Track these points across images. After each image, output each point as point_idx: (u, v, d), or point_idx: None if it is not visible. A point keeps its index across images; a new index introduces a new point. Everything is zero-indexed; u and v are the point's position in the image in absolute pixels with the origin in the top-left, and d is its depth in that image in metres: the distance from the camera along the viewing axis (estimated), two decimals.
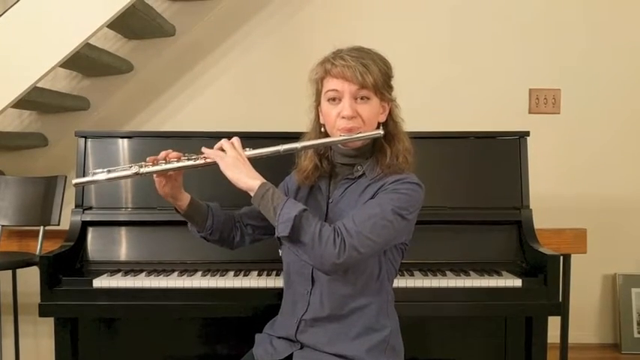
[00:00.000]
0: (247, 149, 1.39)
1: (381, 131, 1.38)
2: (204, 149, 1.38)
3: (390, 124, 1.42)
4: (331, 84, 1.36)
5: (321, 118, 1.43)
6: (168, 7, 2.93)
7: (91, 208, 1.99)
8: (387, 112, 1.42)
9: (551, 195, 2.78)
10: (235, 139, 1.39)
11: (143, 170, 1.39)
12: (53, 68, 2.35)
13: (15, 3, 2.31)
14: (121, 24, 2.59)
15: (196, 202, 1.51)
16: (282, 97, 2.84)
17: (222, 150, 1.36)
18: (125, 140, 2.07)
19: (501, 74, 2.93)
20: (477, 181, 2.04)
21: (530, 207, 2.00)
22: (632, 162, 2.95)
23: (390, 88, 1.41)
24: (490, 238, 1.97)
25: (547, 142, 2.77)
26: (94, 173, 1.41)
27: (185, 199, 1.48)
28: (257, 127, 2.10)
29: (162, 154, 1.41)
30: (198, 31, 2.93)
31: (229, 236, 1.57)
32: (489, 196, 2.02)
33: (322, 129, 1.43)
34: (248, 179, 1.32)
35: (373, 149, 1.41)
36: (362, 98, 1.35)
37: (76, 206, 1.98)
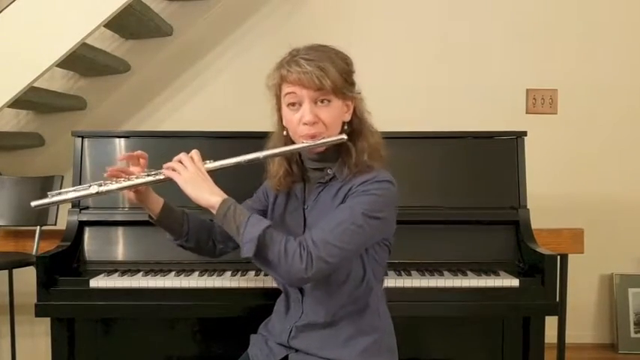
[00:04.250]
0: (207, 162, 1.33)
1: (343, 136, 1.33)
2: (165, 165, 1.33)
3: (354, 121, 1.38)
4: (289, 89, 1.32)
5: (283, 120, 1.39)
6: (165, 6, 2.93)
7: (87, 207, 1.99)
8: (351, 109, 1.37)
9: (549, 195, 2.78)
10: (194, 153, 1.33)
11: (103, 189, 1.35)
12: (50, 68, 2.35)
13: (11, 2, 2.31)
14: (118, 24, 2.59)
15: (170, 207, 1.46)
16: None
17: (182, 164, 1.31)
18: (122, 140, 2.06)
19: (499, 75, 2.94)
20: (475, 181, 2.04)
21: (528, 207, 2.00)
22: (629, 162, 2.96)
23: (351, 85, 1.36)
24: (487, 237, 1.97)
25: (544, 142, 2.77)
26: (53, 195, 1.36)
27: (157, 203, 1.44)
28: (255, 127, 2.09)
29: (110, 172, 1.37)
30: (195, 31, 2.93)
31: (208, 244, 1.53)
32: (487, 196, 2.02)
33: (285, 132, 1.39)
34: (208, 196, 1.27)
35: (339, 151, 1.37)
36: (322, 101, 1.31)
37: (73, 206, 1.98)
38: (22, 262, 2.26)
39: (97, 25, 2.34)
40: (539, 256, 1.82)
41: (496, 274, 1.84)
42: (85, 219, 1.95)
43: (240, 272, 1.84)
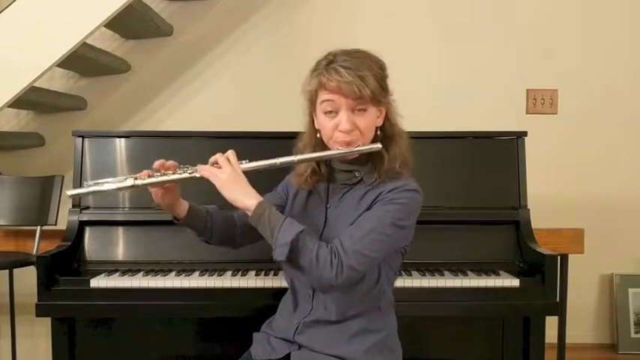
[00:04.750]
0: (243, 162, 1.35)
1: (378, 145, 1.34)
2: (199, 166, 1.35)
3: (386, 126, 1.40)
4: (327, 98, 1.32)
5: (316, 123, 1.40)
6: (165, 6, 2.93)
7: (88, 207, 1.99)
8: (383, 115, 1.39)
9: (549, 195, 2.78)
10: (230, 153, 1.34)
11: (139, 182, 1.36)
12: (50, 68, 2.35)
13: (12, 2, 2.31)
14: (119, 24, 2.59)
15: (195, 208, 1.48)
16: (281, 96, 2.83)
17: (217, 164, 1.33)
18: (122, 140, 2.06)
19: (499, 75, 2.94)
20: (475, 181, 2.04)
21: (528, 207, 2.00)
22: (629, 162, 2.96)
23: (385, 92, 1.37)
24: (488, 237, 1.97)
25: (544, 143, 2.77)
26: (89, 185, 1.38)
27: (183, 207, 1.46)
28: (255, 126, 2.10)
29: (157, 164, 1.39)
30: (196, 31, 2.93)
31: (229, 237, 1.56)
32: (487, 196, 2.02)
33: (318, 135, 1.40)
34: (244, 199, 1.30)
35: (371, 155, 1.38)
36: (359, 109, 1.32)
37: (73, 206, 1.98)
38: (23, 261, 2.25)
39: (97, 25, 2.34)
40: (539, 256, 1.82)
41: (496, 274, 1.84)
42: (85, 219, 1.96)
43: (240, 272, 1.84)
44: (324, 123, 1.35)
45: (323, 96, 1.33)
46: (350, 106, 1.31)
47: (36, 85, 2.41)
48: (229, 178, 1.30)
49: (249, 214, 1.30)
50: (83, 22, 2.32)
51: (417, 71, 2.86)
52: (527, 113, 2.95)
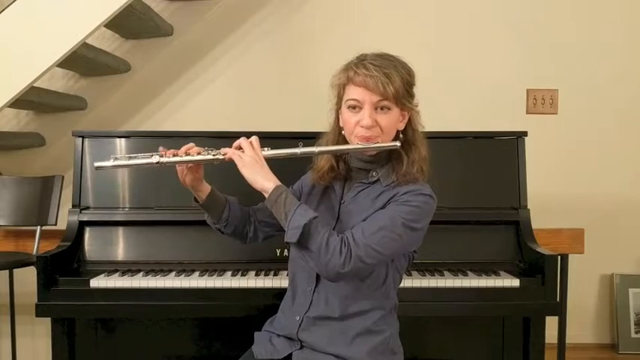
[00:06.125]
0: (265, 149, 1.41)
1: (397, 143, 1.38)
2: (223, 149, 1.41)
3: (408, 131, 1.43)
4: (353, 92, 1.36)
5: (340, 121, 1.44)
6: (166, 6, 2.92)
7: (88, 208, 1.99)
8: (406, 119, 1.42)
9: (549, 195, 2.78)
10: (254, 139, 1.40)
11: (164, 160, 1.42)
12: (50, 68, 2.35)
13: (12, 2, 2.31)
14: (119, 23, 2.58)
15: (216, 194, 1.54)
16: (280, 96, 2.84)
17: (241, 148, 1.39)
18: (122, 140, 2.06)
19: (499, 74, 2.94)
20: (475, 181, 2.04)
21: (528, 207, 2.00)
22: (629, 162, 2.96)
23: (411, 96, 1.41)
24: (488, 238, 1.97)
25: (545, 143, 2.77)
26: (117, 158, 1.44)
27: (205, 190, 1.52)
28: (255, 126, 2.09)
29: (184, 148, 1.44)
30: (196, 31, 2.93)
31: (243, 230, 1.60)
32: (487, 196, 2.02)
33: (341, 132, 1.44)
34: (263, 181, 1.35)
35: (390, 156, 1.42)
36: (382, 108, 1.36)
37: (73, 206, 1.98)
38: (23, 262, 2.25)
39: (97, 25, 2.34)
40: (539, 256, 1.83)
41: (496, 274, 1.84)
42: (85, 219, 1.96)
43: (240, 272, 1.84)
44: (347, 118, 1.39)
45: (349, 90, 1.38)
46: (373, 103, 1.35)
47: (36, 85, 2.41)
48: (251, 160, 1.36)
49: (266, 195, 1.34)
50: (83, 22, 2.32)
51: (417, 71, 2.85)
52: (527, 113, 2.95)
